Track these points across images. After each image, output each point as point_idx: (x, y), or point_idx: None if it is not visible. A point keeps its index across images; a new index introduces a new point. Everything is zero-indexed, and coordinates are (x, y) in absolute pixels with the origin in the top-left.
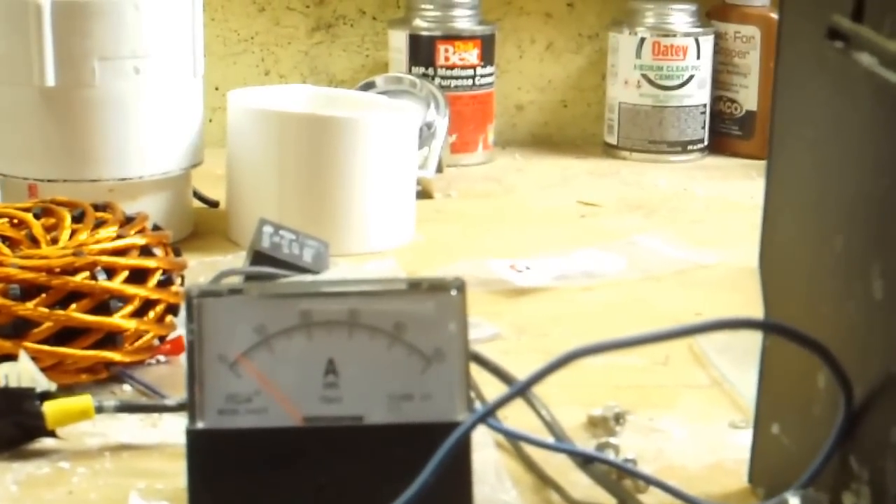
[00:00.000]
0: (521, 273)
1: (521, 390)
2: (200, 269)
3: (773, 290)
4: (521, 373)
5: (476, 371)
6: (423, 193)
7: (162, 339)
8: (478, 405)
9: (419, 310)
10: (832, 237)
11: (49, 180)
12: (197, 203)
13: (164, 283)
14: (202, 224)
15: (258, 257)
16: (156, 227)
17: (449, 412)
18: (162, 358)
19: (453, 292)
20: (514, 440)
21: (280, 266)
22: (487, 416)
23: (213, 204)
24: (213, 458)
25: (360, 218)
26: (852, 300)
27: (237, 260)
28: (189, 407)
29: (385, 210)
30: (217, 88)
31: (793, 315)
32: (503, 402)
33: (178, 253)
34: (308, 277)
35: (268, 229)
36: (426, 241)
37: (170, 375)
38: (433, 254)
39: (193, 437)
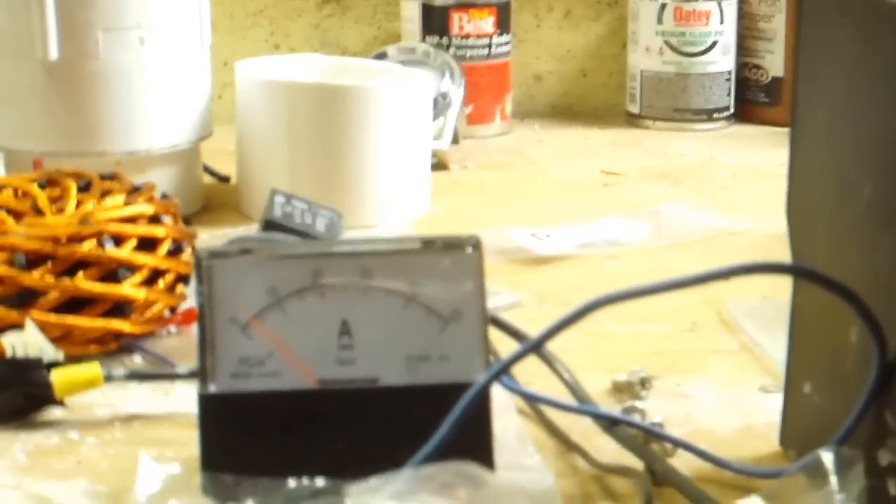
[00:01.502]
0: (542, 241)
1: (538, 344)
2: (211, 241)
3: (800, 242)
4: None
5: (495, 335)
6: (439, 165)
7: (172, 309)
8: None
9: (434, 268)
10: (860, 186)
11: (54, 154)
12: (207, 178)
13: (174, 252)
14: (213, 199)
15: (270, 226)
16: (164, 196)
17: (467, 373)
18: (173, 329)
19: (469, 250)
20: (535, 404)
21: (292, 235)
22: (503, 371)
23: (224, 179)
24: (226, 422)
25: (374, 189)
26: (882, 251)
27: (248, 232)
28: (201, 371)
29: (399, 181)
30: (226, 64)
31: (821, 267)
32: (519, 357)
33: (187, 222)
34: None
35: (279, 199)
36: (443, 212)
37: (181, 346)
38: (450, 225)
39: (206, 401)
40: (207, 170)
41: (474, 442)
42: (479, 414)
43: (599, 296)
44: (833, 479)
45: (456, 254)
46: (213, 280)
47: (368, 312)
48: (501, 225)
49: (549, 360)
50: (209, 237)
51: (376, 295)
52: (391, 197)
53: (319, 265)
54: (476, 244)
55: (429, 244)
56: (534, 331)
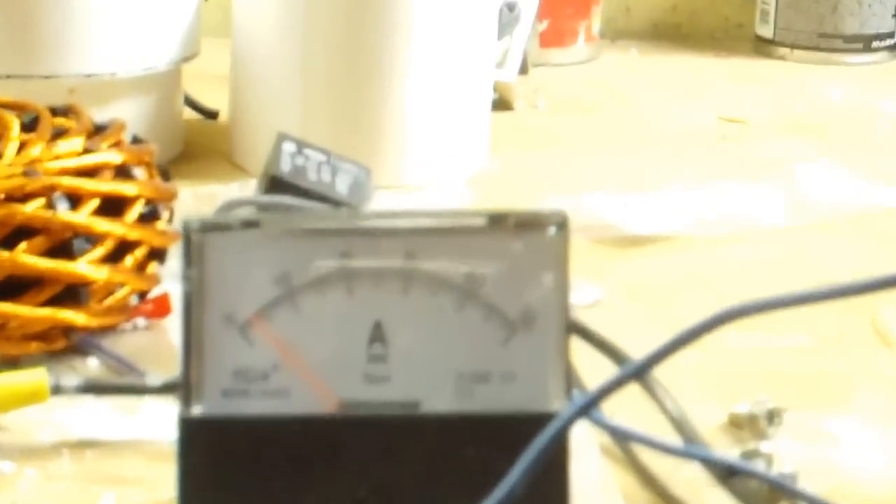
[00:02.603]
0: (636, 214)
1: (641, 371)
2: (195, 201)
3: None
4: (636, 351)
5: (575, 346)
6: (501, 103)
7: (142, 296)
8: (577, 393)
9: (503, 255)
10: None
11: None
12: (189, 113)
13: (148, 218)
14: (196, 142)
15: (276, 185)
16: (136, 140)
17: (540, 399)
18: (141, 322)
19: (551, 230)
20: (627, 443)
21: (305, 197)
22: (593, 405)
23: (212, 114)
24: (214, 455)
25: (414, 136)
26: None
27: (244, 190)
28: (182, 387)
29: (447, 125)
30: None
31: None
32: (616, 385)
33: (166, 177)
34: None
35: (289, 147)
36: (504, 170)
37: (152, 346)
38: (513, 187)
39: (189, 426)
40: (190, 102)
41: (545, 493)
42: (556, 458)
43: (731, 307)
44: None
45: (533, 235)
46: (206, 262)
47: (410, 312)
48: (582, 190)
49: (649, 387)
50: (191, 195)
51: (421, 289)
52: (436, 146)
53: (348, 246)
54: (561, 223)
55: (496, 220)
56: (624, 339)
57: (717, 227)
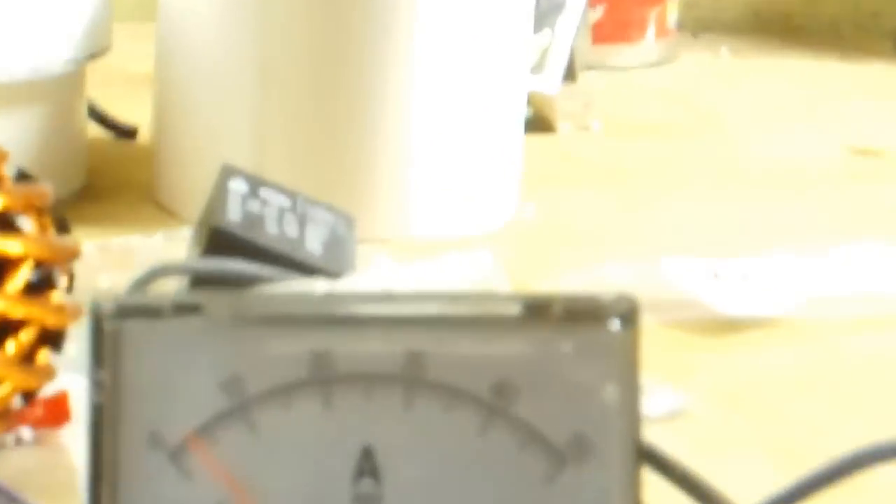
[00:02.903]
0: (730, 289)
1: None
2: (102, 258)
3: None
4: (733, 488)
5: (649, 482)
6: (539, 123)
7: (29, 396)
8: None
9: (545, 358)
10: None
11: None
12: (96, 130)
13: (38, 288)
14: (105, 172)
15: (219, 241)
16: (21, 176)
17: None
18: (27, 435)
19: (614, 324)
20: None
21: (262, 260)
22: None
23: (128, 132)
24: None
25: (416, 172)
26: None
27: (174, 245)
28: None
29: (463, 157)
30: None
31: None
32: None
33: (64, 227)
34: (321, 283)
35: (238, 186)
36: (542, 219)
37: (43, 469)
38: (555, 245)
39: None
40: (97, 116)
41: None
42: None
43: (868, 448)
44: None
45: (588, 331)
46: (123, 360)
47: (413, 436)
48: (654, 251)
49: None
50: (98, 250)
51: (430, 403)
52: (449, 186)
53: (323, 339)
54: (628, 313)
55: (536, 309)
56: (712, 467)
57: (842, 308)
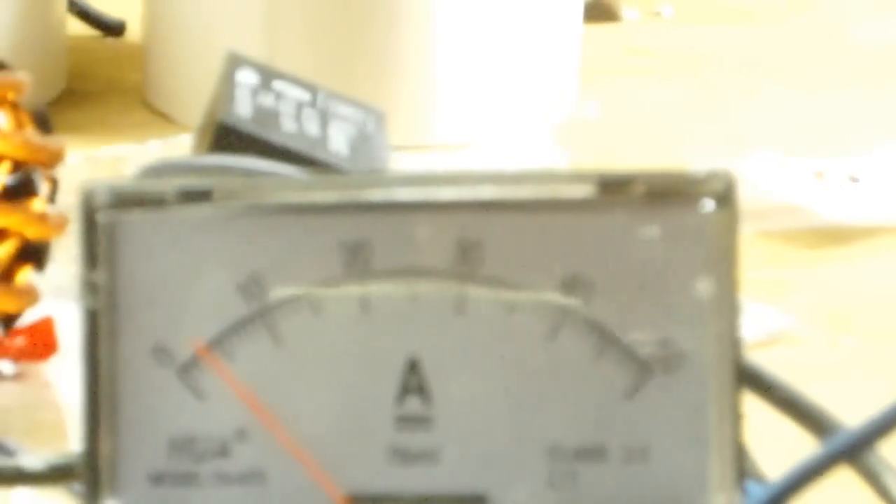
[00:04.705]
0: (838, 192)
1: (857, 447)
2: (89, 169)
3: None
4: (846, 413)
5: (749, 404)
6: (601, 10)
7: (9, 321)
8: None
9: (625, 247)
10: None
11: None
12: (78, 26)
13: (16, 193)
14: (90, 73)
15: (227, 139)
16: None
17: (691, 489)
18: (8, 369)
19: (707, 205)
20: None
21: (278, 160)
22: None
23: (115, 29)
24: None
25: (462, 64)
26: None
27: (171, 150)
28: (84, 470)
29: (515, 47)
30: None
31: None
32: (819, 469)
33: (44, 126)
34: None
35: (247, 78)
36: (606, 117)
37: (27, 405)
38: (622, 146)
39: None
40: (80, 10)
41: None
42: None
43: None
44: None
45: (677, 212)
46: (122, 260)
47: (468, 346)
48: (742, 148)
49: (869, 470)
50: (85, 159)
51: (486, 305)
52: (499, 81)
53: (358, 230)
54: (725, 192)
55: (614, 187)
56: (822, 392)
57: None
